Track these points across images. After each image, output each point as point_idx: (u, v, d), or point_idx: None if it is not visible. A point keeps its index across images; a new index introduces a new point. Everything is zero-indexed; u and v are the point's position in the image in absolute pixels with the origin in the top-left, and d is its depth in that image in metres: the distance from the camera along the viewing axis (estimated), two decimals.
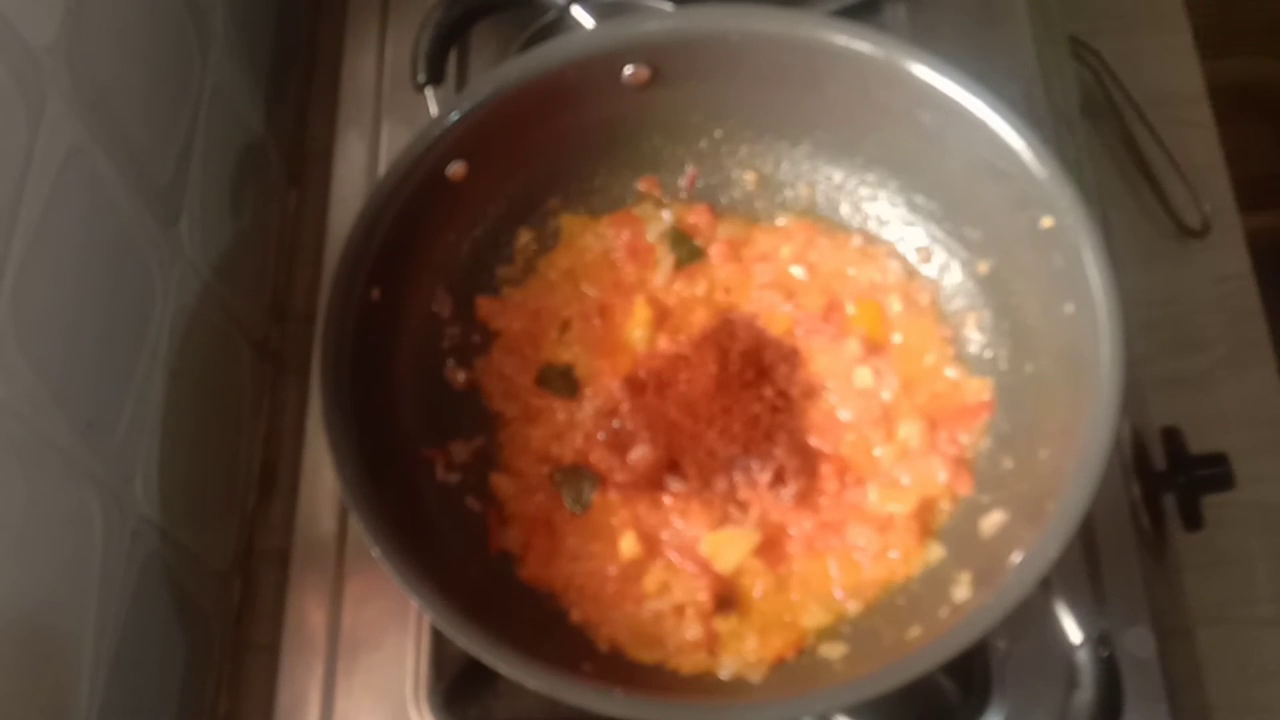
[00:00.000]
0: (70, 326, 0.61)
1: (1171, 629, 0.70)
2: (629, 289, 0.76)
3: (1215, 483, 0.71)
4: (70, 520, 0.61)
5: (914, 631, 0.63)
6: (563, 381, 0.74)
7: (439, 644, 0.71)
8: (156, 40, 0.72)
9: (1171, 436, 0.74)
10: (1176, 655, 0.69)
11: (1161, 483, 0.74)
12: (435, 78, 0.77)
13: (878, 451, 0.70)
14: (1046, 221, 0.65)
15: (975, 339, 0.72)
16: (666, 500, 0.69)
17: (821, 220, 0.77)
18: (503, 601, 0.67)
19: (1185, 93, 0.92)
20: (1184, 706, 0.67)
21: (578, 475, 0.71)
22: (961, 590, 0.63)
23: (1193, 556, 0.75)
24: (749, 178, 0.78)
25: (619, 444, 0.71)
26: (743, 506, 0.69)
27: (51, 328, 0.59)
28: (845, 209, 0.77)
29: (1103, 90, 0.91)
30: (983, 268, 0.72)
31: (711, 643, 0.66)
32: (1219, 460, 0.71)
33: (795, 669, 0.65)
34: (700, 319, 0.74)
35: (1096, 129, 0.88)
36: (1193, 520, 0.74)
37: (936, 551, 0.67)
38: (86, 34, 0.63)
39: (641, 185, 0.78)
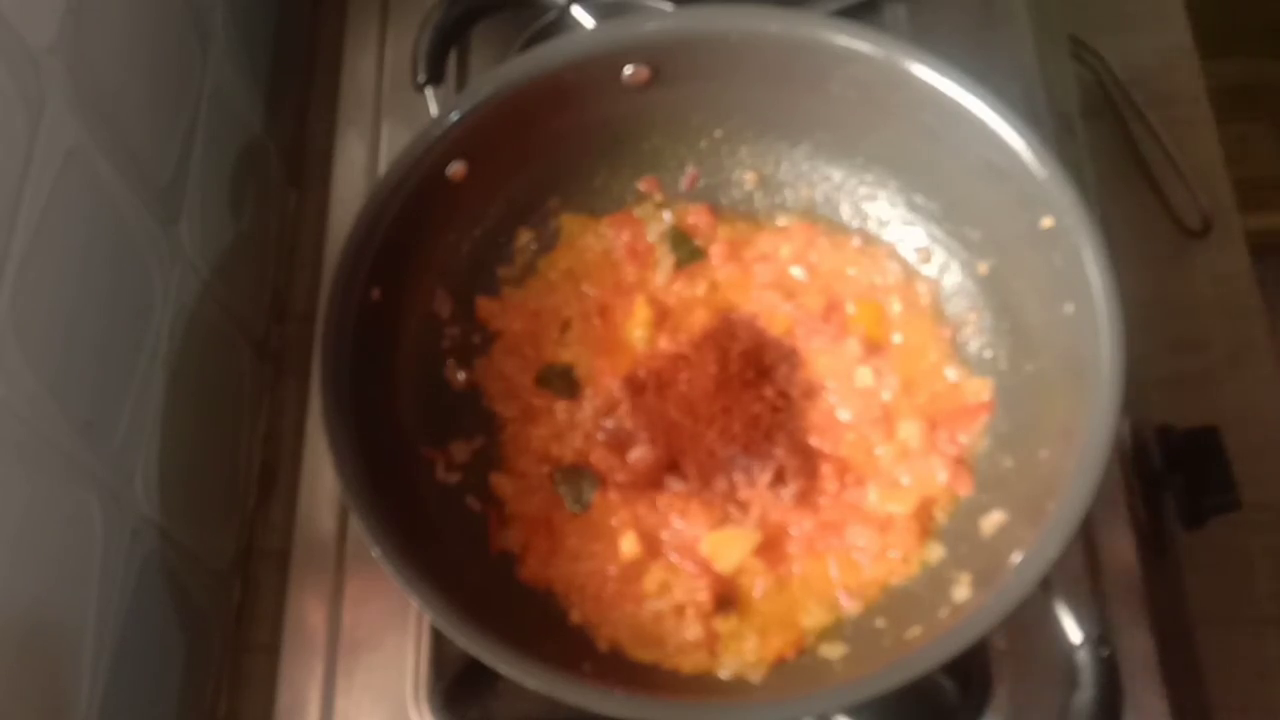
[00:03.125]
0: (70, 326, 0.61)
1: (1171, 629, 0.70)
2: (629, 289, 0.76)
3: (1223, 508, 0.72)
4: (70, 520, 0.61)
5: (914, 631, 0.63)
6: (563, 381, 0.74)
7: (439, 644, 0.71)
8: (156, 40, 0.72)
9: (1164, 434, 0.75)
10: (1176, 655, 0.69)
11: (1161, 482, 0.74)
12: (435, 78, 0.77)
13: (878, 451, 0.70)
14: (1046, 221, 0.65)
15: (975, 339, 0.72)
16: (666, 501, 0.69)
17: (821, 220, 0.77)
18: (503, 601, 0.67)
19: (1185, 93, 0.92)
20: (1184, 706, 0.67)
21: (578, 475, 0.71)
22: (961, 590, 0.63)
23: (1193, 556, 0.75)
24: (749, 178, 0.78)
25: (619, 444, 0.71)
26: (743, 506, 0.69)
27: (51, 328, 0.59)
28: (845, 209, 0.77)
29: (1103, 90, 0.91)
30: (983, 268, 0.72)
31: (711, 643, 0.66)
32: (1227, 487, 0.72)
33: (795, 669, 0.65)
34: (700, 319, 0.74)
35: (1096, 129, 0.88)
36: (1193, 520, 0.74)
37: (936, 551, 0.67)
38: (86, 34, 0.63)
39: (642, 185, 0.78)
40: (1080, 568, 0.69)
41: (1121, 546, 0.71)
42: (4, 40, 0.56)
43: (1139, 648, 0.68)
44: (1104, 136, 0.90)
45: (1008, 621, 0.57)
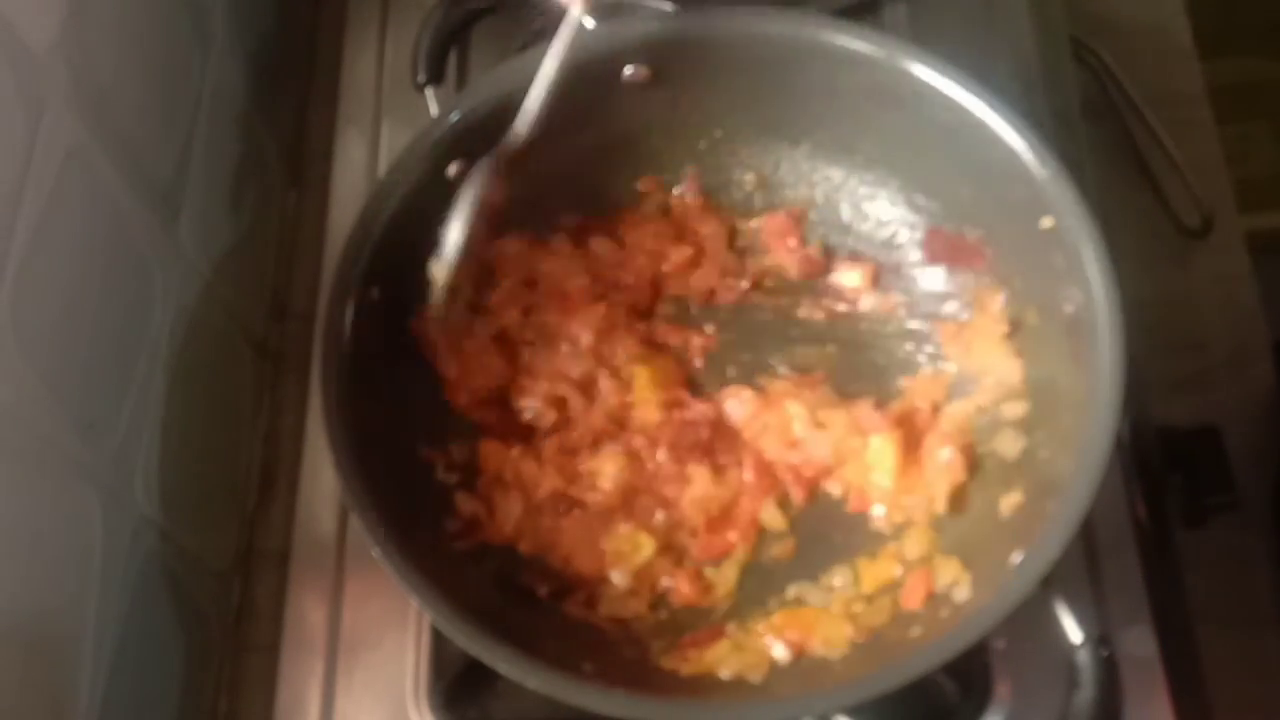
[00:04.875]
0: (70, 327, 0.61)
1: (1172, 628, 0.70)
2: None
3: (1223, 508, 0.72)
4: (70, 520, 0.61)
5: (914, 631, 0.63)
6: None
7: (439, 644, 0.71)
8: (156, 40, 0.72)
9: (1164, 434, 0.75)
10: (1177, 655, 0.69)
11: (1161, 482, 0.74)
12: (435, 78, 0.77)
13: None
14: (1047, 222, 0.65)
15: None
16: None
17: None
18: (503, 601, 0.67)
19: (1185, 93, 0.92)
20: (1184, 706, 0.67)
21: None
22: (961, 590, 0.63)
23: (1193, 556, 0.75)
24: (749, 178, 0.78)
25: None
26: None
27: (51, 328, 0.59)
28: (845, 209, 0.77)
29: (1103, 90, 0.91)
30: (983, 268, 0.71)
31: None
32: (1227, 487, 0.72)
33: (795, 669, 0.65)
34: None
35: (1097, 129, 0.88)
36: (1193, 520, 0.74)
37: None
38: (86, 34, 0.63)
39: (641, 185, 0.78)
40: (1080, 568, 0.69)
41: (1121, 546, 0.71)
42: (4, 40, 0.56)
43: (1139, 647, 0.68)
44: (1104, 136, 0.90)
45: (1008, 621, 0.57)
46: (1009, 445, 0.67)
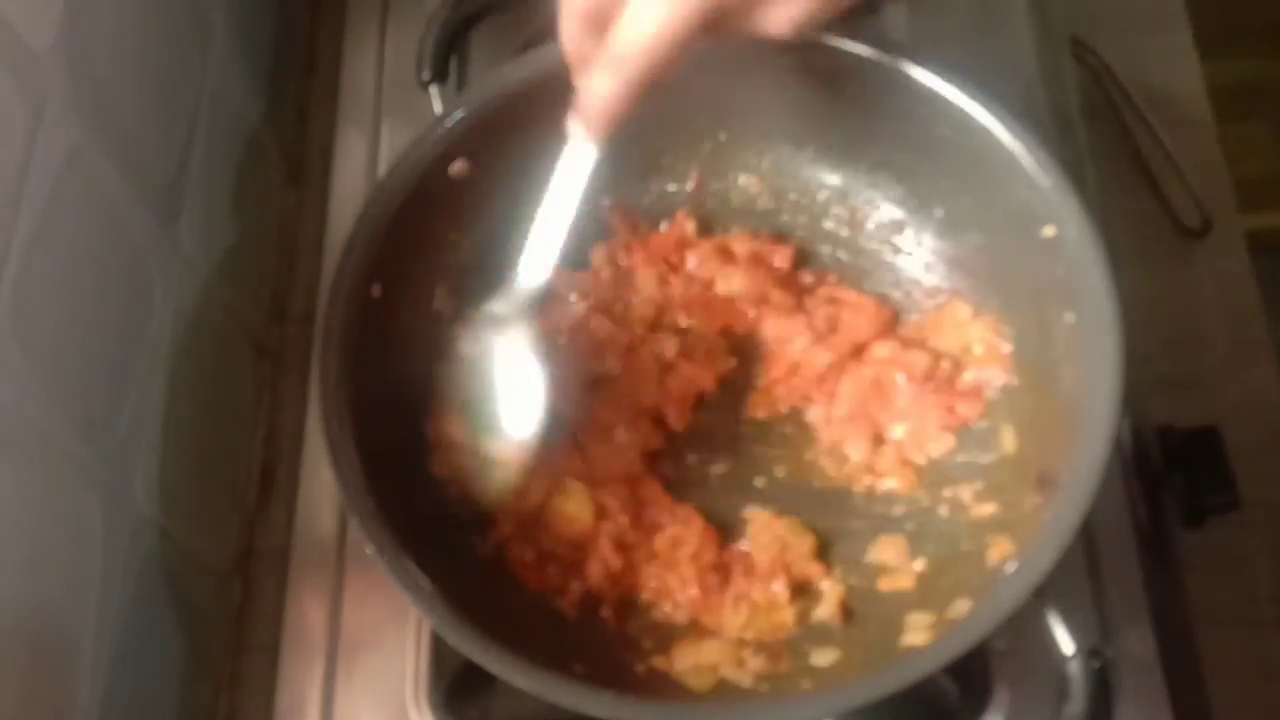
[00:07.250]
0: (70, 326, 0.61)
1: (1171, 629, 0.70)
2: None
3: (1222, 508, 0.72)
4: (70, 520, 0.61)
5: (905, 639, 0.63)
6: None
7: (439, 644, 0.71)
8: (156, 40, 0.72)
9: (1164, 434, 0.75)
10: (1176, 655, 0.69)
11: (1161, 482, 0.74)
12: (440, 75, 0.77)
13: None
14: (1048, 231, 0.64)
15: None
16: None
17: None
18: (501, 601, 0.67)
19: (1185, 93, 0.92)
20: (1184, 707, 0.67)
21: None
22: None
23: (1193, 556, 0.75)
24: (752, 182, 0.77)
25: None
26: None
27: (51, 328, 0.59)
28: (845, 216, 0.76)
29: (1102, 91, 0.91)
30: (984, 274, 0.71)
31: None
32: (1226, 487, 0.72)
33: (788, 672, 0.65)
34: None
35: (1096, 129, 0.88)
36: (1193, 520, 0.74)
37: None
38: (86, 34, 0.63)
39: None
40: (1077, 575, 0.69)
41: (1121, 547, 0.71)
42: (4, 40, 0.56)
43: (1139, 648, 0.68)
44: (1104, 136, 0.89)
45: (1008, 626, 0.57)
46: (1007, 446, 0.67)
